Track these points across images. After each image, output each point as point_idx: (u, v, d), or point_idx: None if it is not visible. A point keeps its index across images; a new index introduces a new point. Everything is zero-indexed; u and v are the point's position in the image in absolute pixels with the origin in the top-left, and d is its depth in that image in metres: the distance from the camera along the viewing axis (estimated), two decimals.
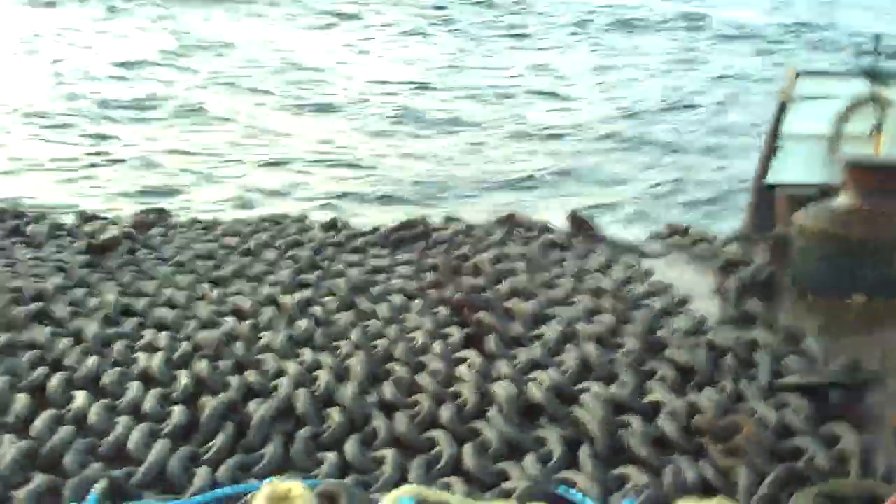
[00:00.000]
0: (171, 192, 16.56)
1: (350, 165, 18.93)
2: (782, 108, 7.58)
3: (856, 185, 5.94)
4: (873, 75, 7.73)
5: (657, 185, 17.28)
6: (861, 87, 7.70)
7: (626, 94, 26.21)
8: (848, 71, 8.32)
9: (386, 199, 16.35)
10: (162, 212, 7.15)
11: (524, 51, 32.74)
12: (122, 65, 27.03)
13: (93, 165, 18.10)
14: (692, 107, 24.52)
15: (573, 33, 35.91)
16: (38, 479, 3.07)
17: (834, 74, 8.73)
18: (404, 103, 24.18)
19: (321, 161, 19.05)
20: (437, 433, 3.55)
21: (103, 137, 19.99)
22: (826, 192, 6.52)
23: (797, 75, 7.65)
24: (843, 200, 6.05)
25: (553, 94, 26.26)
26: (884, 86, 7.69)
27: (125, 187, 16.73)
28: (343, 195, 16.84)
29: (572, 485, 3.15)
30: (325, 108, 23.82)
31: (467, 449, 3.41)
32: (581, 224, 7.06)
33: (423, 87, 26.30)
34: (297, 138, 20.71)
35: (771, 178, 7.53)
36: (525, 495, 2.83)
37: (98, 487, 2.98)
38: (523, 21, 38.17)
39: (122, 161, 18.28)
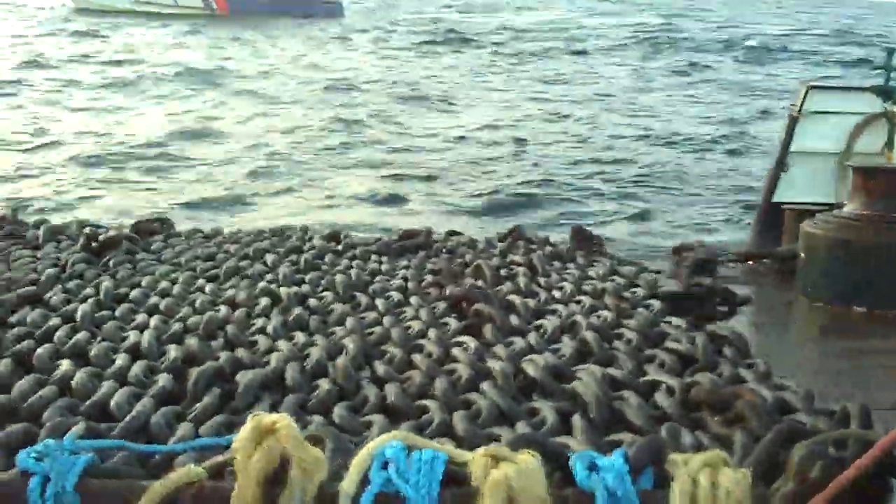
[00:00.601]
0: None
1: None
2: (793, 124, 7.51)
3: (863, 191, 5.90)
4: (885, 92, 7.65)
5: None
6: (873, 103, 7.63)
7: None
8: (860, 86, 8.22)
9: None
10: (164, 220, 7.11)
11: None
12: None
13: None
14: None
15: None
16: (14, 427, 2.98)
17: (846, 90, 8.60)
18: None
19: None
20: (428, 402, 3.47)
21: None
22: (833, 208, 6.47)
23: (808, 90, 7.57)
24: (850, 207, 6.00)
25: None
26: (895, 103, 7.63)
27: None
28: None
29: (565, 447, 3.05)
30: None
31: (458, 415, 3.32)
32: (585, 238, 7.00)
33: None
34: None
35: (778, 196, 7.46)
36: (516, 441, 2.74)
37: (75, 430, 2.90)
38: None
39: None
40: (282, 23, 48.03)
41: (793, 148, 7.53)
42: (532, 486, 2.48)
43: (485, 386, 3.59)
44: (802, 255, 6.01)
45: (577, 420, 3.30)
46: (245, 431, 2.48)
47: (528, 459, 2.54)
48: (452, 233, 7.24)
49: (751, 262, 7.14)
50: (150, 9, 49.80)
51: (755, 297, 6.39)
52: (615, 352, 4.13)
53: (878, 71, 8.00)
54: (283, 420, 2.49)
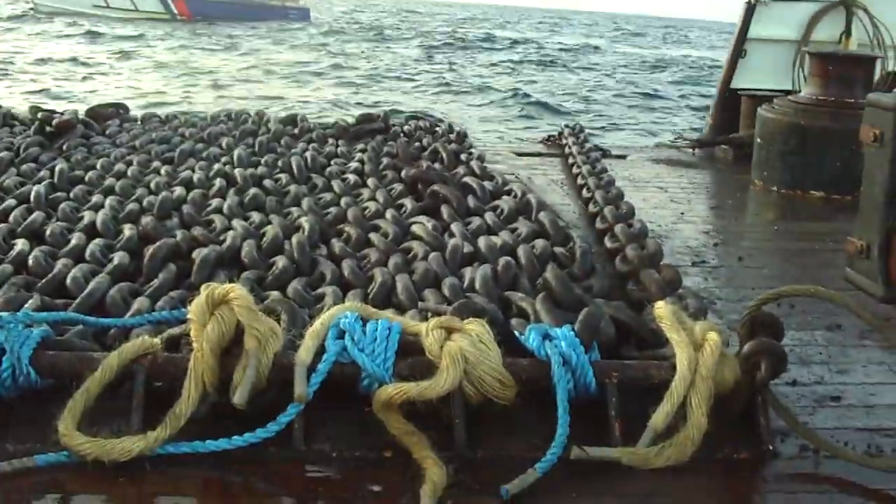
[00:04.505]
0: None
1: None
2: (750, 11, 7.43)
3: (819, 77, 5.89)
4: None
5: None
6: None
7: None
8: None
9: None
10: (120, 106, 7.01)
11: None
12: None
13: None
14: None
15: None
16: None
17: None
18: None
19: None
20: (376, 270, 3.48)
21: None
22: (790, 94, 6.46)
23: None
24: (806, 92, 6.01)
25: None
26: None
27: None
28: None
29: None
30: None
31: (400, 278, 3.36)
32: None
33: None
34: None
35: (735, 82, 7.43)
36: (461, 308, 2.77)
37: (30, 304, 2.89)
38: None
39: None
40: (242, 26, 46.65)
41: (750, 35, 7.47)
42: (487, 357, 2.51)
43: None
44: (759, 140, 6.02)
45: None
46: (199, 301, 2.48)
47: (479, 329, 2.56)
48: (413, 116, 7.21)
49: (708, 148, 7.17)
50: (109, 13, 47.22)
51: (713, 181, 6.45)
52: (570, 231, 4.17)
53: None
54: (236, 290, 2.48)
